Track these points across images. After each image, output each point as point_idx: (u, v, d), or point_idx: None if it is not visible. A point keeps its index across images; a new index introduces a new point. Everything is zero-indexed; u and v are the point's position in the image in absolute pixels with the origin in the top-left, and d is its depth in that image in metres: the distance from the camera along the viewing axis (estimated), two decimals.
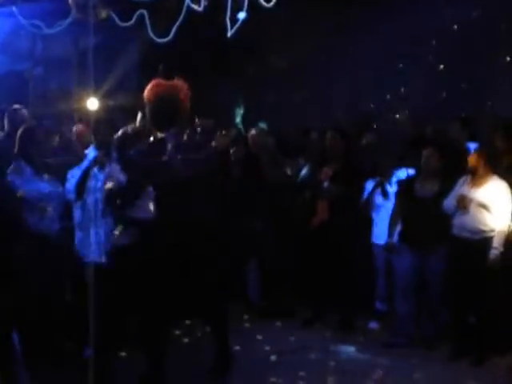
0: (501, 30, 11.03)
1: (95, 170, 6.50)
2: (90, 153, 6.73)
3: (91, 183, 6.49)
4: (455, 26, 11.27)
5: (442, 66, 11.67)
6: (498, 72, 11.27)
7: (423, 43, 11.41)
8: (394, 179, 7.65)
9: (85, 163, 6.61)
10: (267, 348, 7.19)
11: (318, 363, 6.85)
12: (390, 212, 7.49)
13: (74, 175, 6.58)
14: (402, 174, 7.62)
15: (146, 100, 6.45)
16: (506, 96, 10.49)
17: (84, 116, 8.66)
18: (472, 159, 6.85)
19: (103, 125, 6.86)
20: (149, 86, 6.48)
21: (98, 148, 6.67)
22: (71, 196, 6.56)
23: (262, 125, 8.59)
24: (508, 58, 11.25)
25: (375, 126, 10.35)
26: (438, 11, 10.71)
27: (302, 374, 6.55)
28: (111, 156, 6.63)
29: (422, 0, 10.39)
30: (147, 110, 6.47)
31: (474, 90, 11.11)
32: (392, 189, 7.63)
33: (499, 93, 10.95)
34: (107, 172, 6.55)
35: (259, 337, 7.45)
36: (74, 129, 8.38)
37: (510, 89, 10.82)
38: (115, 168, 6.63)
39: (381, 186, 7.67)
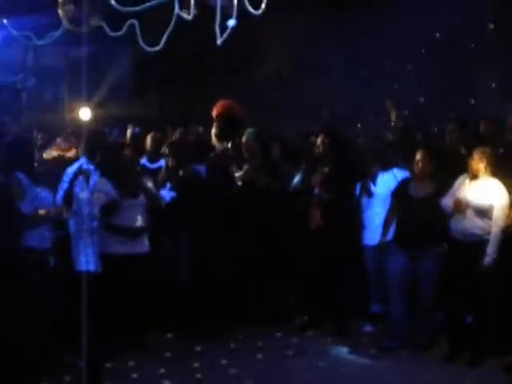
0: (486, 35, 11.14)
1: (81, 180, 6.56)
2: (79, 163, 6.82)
3: (78, 193, 6.56)
4: (437, 34, 11.35)
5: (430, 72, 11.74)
6: (482, 77, 11.37)
7: (410, 50, 11.48)
8: (381, 181, 7.70)
9: (70, 174, 6.70)
10: (259, 356, 7.18)
11: (315, 368, 6.86)
12: (376, 211, 7.55)
13: (62, 186, 6.68)
14: (390, 176, 7.66)
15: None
16: (491, 99, 10.57)
17: (75, 127, 8.70)
18: (473, 161, 6.83)
19: (93, 135, 6.96)
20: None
21: (87, 158, 6.75)
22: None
23: (251, 130, 8.61)
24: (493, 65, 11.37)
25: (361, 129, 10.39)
26: (423, 19, 10.78)
27: (299, 378, 6.60)
28: (99, 167, 6.71)
29: (406, 8, 10.45)
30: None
31: (460, 95, 11.20)
32: (376, 189, 7.68)
33: (484, 96, 11.04)
34: (94, 185, 6.61)
35: (259, 343, 7.45)
36: (58, 141, 8.42)
37: (494, 91, 10.90)
38: (103, 181, 6.72)
39: (365, 185, 7.73)
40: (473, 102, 11.32)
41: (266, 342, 7.46)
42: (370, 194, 7.74)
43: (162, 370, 6.69)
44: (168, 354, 7.11)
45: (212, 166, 7.86)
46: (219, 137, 8.12)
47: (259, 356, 7.14)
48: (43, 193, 6.40)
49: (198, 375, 6.62)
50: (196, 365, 6.84)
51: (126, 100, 12.22)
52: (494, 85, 11.28)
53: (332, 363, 7.01)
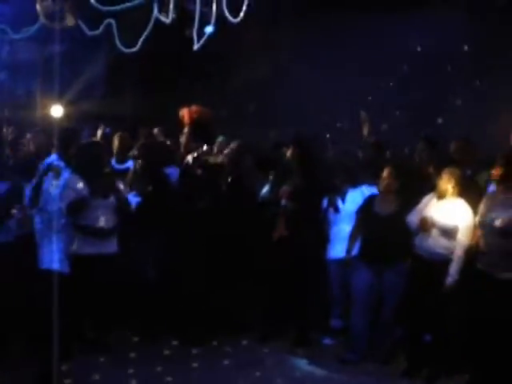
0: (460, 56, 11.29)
1: (51, 177, 6.52)
2: (50, 159, 6.77)
3: (46, 189, 6.52)
4: (419, 49, 11.46)
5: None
6: (456, 93, 11.50)
7: (386, 67, 11.57)
8: (349, 198, 7.73)
9: (40, 170, 6.66)
10: (226, 362, 7.21)
11: (273, 379, 6.87)
12: (342, 227, 7.58)
13: (32, 182, 6.63)
14: (358, 193, 7.71)
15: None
16: (461, 116, 10.69)
17: (46, 124, 8.64)
18: (442, 181, 6.86)
19: (66, 132, 6.92)
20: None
21: (59, 156, 6.71)
22: (28, 203, 6.59)
23: (221, 138, 8.63)
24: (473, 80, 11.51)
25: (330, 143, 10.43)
26: (404, 35, 10.89)
27: None
28: (68, 165, 6.67)
29: (382, 27, 10.56)
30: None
31: (431, 114, 11.32)
32: (344, 205, 7.72)
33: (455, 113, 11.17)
34: (64, 182, 6.57)
35: (223, 351, 7.48)
36: (28, 136, 8.35)
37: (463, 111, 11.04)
38: (74, 178, 6.69)
39: (332, 201, 7.77)
40: (441, 121, 11.44)
41: (232, 351, 7.50)
42: (336, 210, 7.75)
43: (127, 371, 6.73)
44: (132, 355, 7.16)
45: (188, 171, 7.86)
46: (194, 141, 8.19)
47: (225, 362, 7.20)
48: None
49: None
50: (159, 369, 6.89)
51: (99, 99, 12.17)
52: (462, 104, 11.44)
53: (291, 375, 7.02)
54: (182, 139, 8.49)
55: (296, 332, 7.80)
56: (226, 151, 8.46)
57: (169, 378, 6.68)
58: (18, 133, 8.96)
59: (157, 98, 10.96)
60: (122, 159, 8.48)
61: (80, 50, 10.18)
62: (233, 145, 8.39)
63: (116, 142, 8.63)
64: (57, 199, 6.49)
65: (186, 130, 8.41)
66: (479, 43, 11.29)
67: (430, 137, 8.68)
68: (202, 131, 8.24)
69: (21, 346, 6.81)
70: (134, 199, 7.38)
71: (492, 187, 6.82)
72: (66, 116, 8.81)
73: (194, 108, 8.35)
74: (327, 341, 7.86)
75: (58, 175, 6.52)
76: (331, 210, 7.77)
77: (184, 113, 8.36)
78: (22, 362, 6.55)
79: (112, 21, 8.82)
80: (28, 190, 6.76)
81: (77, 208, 6.69)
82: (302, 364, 7.31)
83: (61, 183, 6.55)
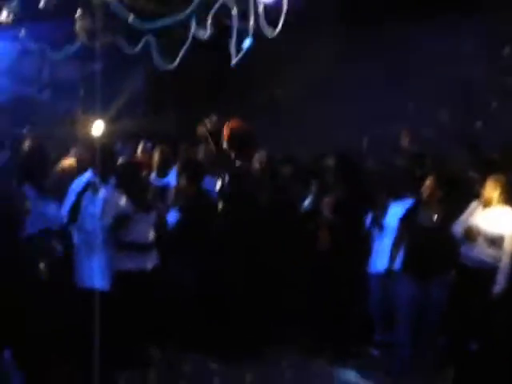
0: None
1: (89, 194, 6.55)
2: (85, 177, 6.81)
3: (87, 207, 6.53)
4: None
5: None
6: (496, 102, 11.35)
7: (422, 76, 11.47)
8: (391, 212, 7.64)
9: (79, 187, 6.68)
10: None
11: None
12: (385, 242, 7.48)
13: (69, 199, 6.65)
14: (398, 206, 7.59)
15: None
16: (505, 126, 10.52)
17: (86, 141, 8.70)
18: (487, 188, 6.81)
19: (104, 150, 6.96)
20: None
21: (95, 173, 6.74)
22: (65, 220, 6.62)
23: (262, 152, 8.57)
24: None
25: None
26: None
27: None
28: (107, 182, 6.70)
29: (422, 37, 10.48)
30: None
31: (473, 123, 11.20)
32: (388, 221, 7.63)
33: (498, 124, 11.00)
34: (106, 199, 6.59)
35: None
36: (71, 153, 8.39)
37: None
38: (115, 194, 6.71)
39: (376, 219, 7.69)
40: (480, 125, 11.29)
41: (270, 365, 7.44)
42: (381, 228, 7.67)
43: None
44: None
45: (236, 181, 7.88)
46: (237, 155, 8.08)
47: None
48: (50, 206, 6.39)
49: None
50: None
51: (140, 116, 12.26)
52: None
53: None
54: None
55: (340, 345, 7.74)
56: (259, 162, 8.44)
57: None
58: (61, 151, 9.02)
59: (196, 114, 10.99)
60: (162, 174, 8.49)
61: (120, 68, 10.27)
62: (260, 155, 8.36)
63: (156, 157, 8.64)
64: (96, 216, 6.50)
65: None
66: None
67: (471, 143, 8.59)
68: (239, 146, 8.15)
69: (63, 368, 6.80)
70: (173, 216, 7.39)
71: None
72: (107, 133, 8.87)
73: (232, 123, 8.30)
74: (375, 352, 7.78)
75: (96, 192, 6.54)
76: (375, 227, 7.69)
77: (224, 128, 8.34)
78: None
79: (151, 38, 8.87)
80: (65, 208, 6.77)
81: (121, 224, 6.71)
82: (347, 377, 7.27)
83: (99, 200, 6.55)
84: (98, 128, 8.50)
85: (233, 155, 8.07)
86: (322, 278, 7.64)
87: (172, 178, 8.22)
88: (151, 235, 6.96)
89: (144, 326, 6.88)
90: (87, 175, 6.89)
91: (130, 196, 6.78)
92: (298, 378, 7.15)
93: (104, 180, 6.83)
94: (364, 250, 7.78)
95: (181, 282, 7.54)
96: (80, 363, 6.33)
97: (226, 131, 8.23)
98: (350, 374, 7.30)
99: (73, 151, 8.33)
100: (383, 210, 7.68)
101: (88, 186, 6.71)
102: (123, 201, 6.76)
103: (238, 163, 7.99)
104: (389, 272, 7.37)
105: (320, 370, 7.36)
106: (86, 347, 5.88)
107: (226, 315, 7.54)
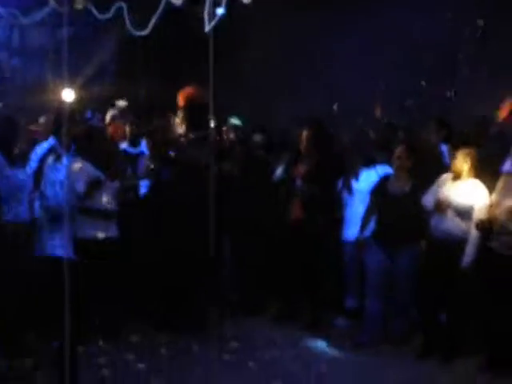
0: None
1: (51, 160, 6.44)
2: (47, 143, 6.71)
3: (48, 174, 6.41)
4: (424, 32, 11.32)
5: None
6: (467, 73, 11.38)
7: (396, 47, 11.46)
8: (363, 177, 7.68)
9: (39, 153, 6.59)
10: (235, 344, 7.17)
11: (287, 360, 6.84)
12: (358, 210, 7.52)
13: (31, 166, 6.57)
14: (372, 173, 7.65)
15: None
16: (476, 96, 10.54)
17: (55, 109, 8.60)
18: (457, 161, 6.82)
19: (64, 116, 6.86)
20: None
21: (57, 139, 6.65)
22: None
23: (234, 120, 8.52)
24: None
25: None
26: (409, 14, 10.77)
27: (270, 370, 6.57)
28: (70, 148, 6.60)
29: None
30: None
31: (444, 93, 11.21)
32: (357, 185, 7.66)
33: (469, 94, 11.03)
34: (70, 165, 6.47)
35: (229, 333, 7.39)
36: (41, 120, 8.31)
37: (479, 89, 10.88)
38: (83, 162, 6.62)
39: (346, 182, 7.71)
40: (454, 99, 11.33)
41: (237, 331, 7.44)
42: (350, 190, 7.70)
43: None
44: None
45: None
46: (189, 126, 7.88)
47: (235, 344, 7.15)
48: (19, 174, 6.31)
49: None
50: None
51: (111, 83, 12.15)
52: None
53: (305, 356, 6.99)
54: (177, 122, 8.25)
55: (309, 313, 7.79)
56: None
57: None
58: (30, 118, 8.93)
59: (168, 82, 10.89)
60: (134, 143, 8.43)
61: (91, 34, 10.15)
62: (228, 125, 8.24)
63: (128, 126, 8.58)
64: (58, 183, 6.37)
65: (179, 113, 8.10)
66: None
67: (440, 117, 8.62)
68: (194, 114, 7.85)
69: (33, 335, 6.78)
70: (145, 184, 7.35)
71: (507, 165, 6.71)
72: (77, 101, 8.75)
73: (187, 90, 8.08)
74: (340, 322, 7.84)
75: (58, 159, 6.42)
76: (345, 190, 7.73)
77: (179, 95, 8.11)
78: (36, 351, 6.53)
79: (122, 4, 8.74)
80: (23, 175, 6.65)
81: (92, 191, 6.64)
82: (315, 345, 7.32)
83: (62, 167, 6.43)
84: (67, 95, 8.38)
85: (186, 124, 7.94)
86: (295, 247, 7.66)
87: (144, 148, 8.17)
88: (113, 203, 6.90)
89: (108, 295, 6.86)
90: (49, 141, 6.79)
91: (92, 162, 6.71)
92: (266, 347, 7.13)
93: (66, 147, 6.73)
94: (336, 218, 7.82)
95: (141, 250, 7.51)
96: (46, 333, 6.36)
97: (180, 99, 8.05)
98: (319, 343, 7.36)
99: (42, 118, 8.24)
100: (354, 174, 7.71)
101: (49, 152, 6.62)
102: (93, 169, 6.70)
103: (192, 133, 7.86)
104: (360, 241, 7.41)
105: (289, 339, 7.38)
106: (50, 316, 5.87)
107: (185, 286, 7.54)
